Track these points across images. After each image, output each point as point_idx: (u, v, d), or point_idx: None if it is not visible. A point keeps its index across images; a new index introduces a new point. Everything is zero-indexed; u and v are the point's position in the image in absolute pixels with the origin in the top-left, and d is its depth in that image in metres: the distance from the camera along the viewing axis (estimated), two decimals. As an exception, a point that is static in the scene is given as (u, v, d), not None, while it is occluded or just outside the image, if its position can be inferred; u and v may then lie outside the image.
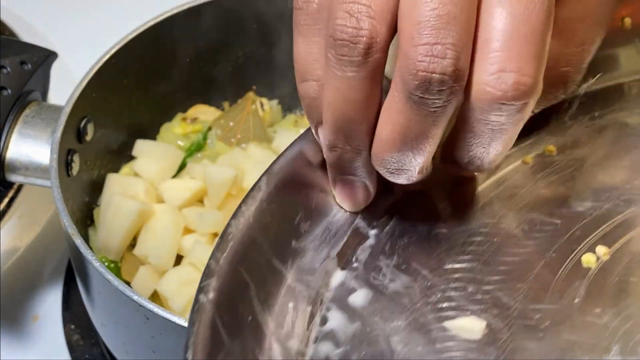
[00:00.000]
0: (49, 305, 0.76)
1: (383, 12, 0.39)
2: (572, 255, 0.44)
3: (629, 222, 0.45)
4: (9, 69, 0.65)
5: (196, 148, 0.74)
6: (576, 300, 0.42)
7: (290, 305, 0.42)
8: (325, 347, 0.42)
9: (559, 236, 0.45)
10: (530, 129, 0.49)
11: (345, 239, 0.45)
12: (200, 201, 0.70)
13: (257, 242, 0.43)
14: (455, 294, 0.43)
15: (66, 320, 0.75)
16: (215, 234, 0.67)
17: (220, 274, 0.41)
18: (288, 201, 0.45)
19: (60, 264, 0.78)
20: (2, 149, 0.64)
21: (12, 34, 0.88)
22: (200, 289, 0.41)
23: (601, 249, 0.44)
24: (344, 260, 0.44)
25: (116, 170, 0.74)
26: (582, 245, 0.44)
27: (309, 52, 0.42)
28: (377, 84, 0.40)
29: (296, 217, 0.45)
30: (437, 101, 0.38)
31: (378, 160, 0.42)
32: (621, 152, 0.48)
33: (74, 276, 0.72)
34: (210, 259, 0.42)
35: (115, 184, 0.69)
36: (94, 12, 0.98)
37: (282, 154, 0.45)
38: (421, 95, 0.38)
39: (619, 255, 0.44)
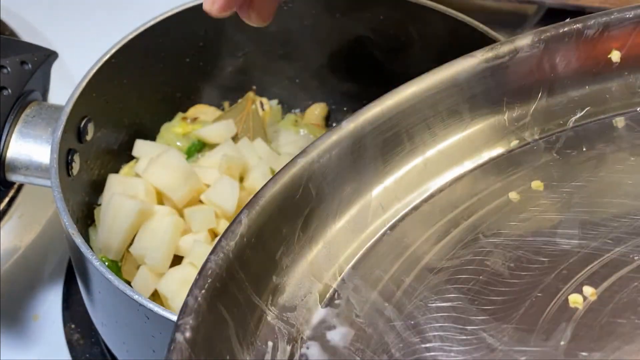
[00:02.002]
0: (49, 304, 0.76)
1: None
2: (559, 295, 0.43)
3: (616, 261, 0.44)
4: (9, 68, 0.65)
5: (196, 148, 0.74)
6: (562, 343, 0.41)
7: (270, 343, 0.41)
8: None
9: (546, 275, 0.44)
10: (516, 163, 0.49)
11: (328, 274, 0.44)
12: (200, 201, 0.70)
13: (237, 277, 0.42)
14: (439, 334, 0.42)
15: (66, 320, 0.75)
16: (212, 231, 0.68)
17: (198, 312, 0.40)
18: (269, 235, 0.44)
19: (61, 264, 0.78)
20: (3, 148, 0.65)
21: (12, 33, 0.88)
22: (177, 327, 0.39)
23: (588, 290, 0.43)
24: (326, 297, 0.44)
25: (116, 170, 0.74)
26: (568, 285, 0.43)
27: None
28: None
29: (277, 251, 0.44)
30: None
31: None
32: (609, 189, 0.47)
33: (74, 276, 0.72)
34: (188, 295, 0.40)
35: (116, 183, 0.69)
36: (94, 12, 0.99)
37: (264, 186, 0.45)
38: None
39: (606, 296, 0.43)
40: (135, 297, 0.56)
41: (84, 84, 0.67)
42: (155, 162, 0.69)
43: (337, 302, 0.43)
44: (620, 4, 0.49)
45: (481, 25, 0.69)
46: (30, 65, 0.66)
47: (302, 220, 0.45)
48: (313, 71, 0.79)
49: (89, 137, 0.69)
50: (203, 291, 0.40)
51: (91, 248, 0.59)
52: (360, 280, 0.44)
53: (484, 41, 0.68)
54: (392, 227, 0.47)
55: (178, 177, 0.68)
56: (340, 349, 0.42)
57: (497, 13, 0.90)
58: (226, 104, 0.80)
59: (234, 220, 0.43)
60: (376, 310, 0.43)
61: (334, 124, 0.80)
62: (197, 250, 0.65)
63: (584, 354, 0.41)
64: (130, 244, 0.67)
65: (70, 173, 0.66)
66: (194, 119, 0.77)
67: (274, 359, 0.41)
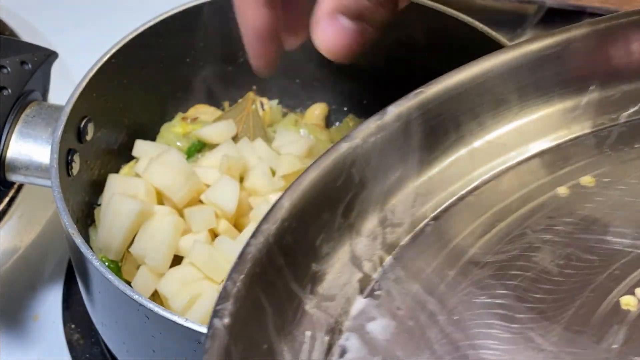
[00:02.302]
0: (49, 304, 0.76)
1: None
2: (611, 296, 0.41)
3: None
4: (9, 69, 0.65)
5: (196, 148, 0.74)
6: (614, 346, 0.39)
7: (308, 333, 0.40)
8: None
9: (597, 274, 0.42)
10: (566, 157, 0.47)
11: (368, 264, 0.43)
12: (200, 201, 0.70)
13: (276, 263, 0.40)
14: (484, 331, 0.40)
15: (66, 320, 0.75)
16: (212, 231, 0.68)
17: (237, 297, 0.38)
18: (310, 221, 0.42)
19: (61, 264, 0.78)
20: (3, 148, 0.65)
21: (12, 33, 0.88)
22: (216, 313, 0.38)
23: None
24: (366, 287, 0.42)
25: (116, 170, 0.74)
26: (621, 286, 0.41)
27: None
28: None
29: (318, 238, 0.42)
30: None
31: None
32: None
33: (74, 276, 0.72)
34: (227, 280, 0.39)
35: (116, 183, 0.69)
36: (94, 12, 0.99)
37: (306, 170, 0.43)
38: None
39: None
40: (135, 297, 0.56)
41: (84, 84, 0.67)
42: (155, 162, 0.69)
43: (377, 293, 0.42)
44: (620, 4, 0.48)
45: (481, 25, 0.69)
46: (30, 65, 0.66)
47: (344, 206, 0.44)
48: (313, 71, 0.79)
49: (89, 137, 0.69)
50: (242, 276, 0.39)
51: (91, 248, 0.59)
52: (402, 271, 0.43)
53: (484, 41, 0.68)
54: (435, 218, 0.46)
55: (178, 177, 0.68)
56: (380, 342, 0.40)
57: (497, 13, 0.90)
58: (226, 104, 0.80)
59: (275, 204, 0.41)
60: (418, 303, 0.41)
61: (335, 124, 0.81)
62: (197, 250, 0.65)
63: (637, 358, 0.39)
64: (130, 244, 0.67)
65: (70, 173, 0.66)
66: (194, 119, 0.77)
67: (311, 349, 0.40)
